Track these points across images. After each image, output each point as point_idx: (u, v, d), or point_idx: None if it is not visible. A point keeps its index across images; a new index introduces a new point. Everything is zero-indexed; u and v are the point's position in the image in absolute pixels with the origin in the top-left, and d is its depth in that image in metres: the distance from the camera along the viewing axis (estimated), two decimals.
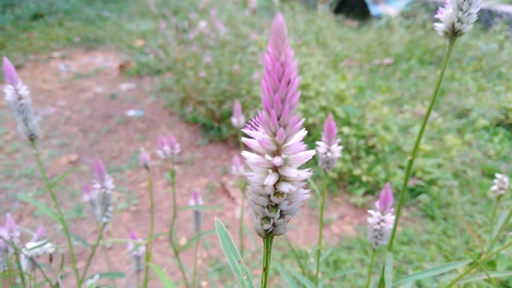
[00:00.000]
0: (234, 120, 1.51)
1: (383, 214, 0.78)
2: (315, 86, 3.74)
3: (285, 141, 0.31)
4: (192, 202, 1.31)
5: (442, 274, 2.36)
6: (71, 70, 5.76)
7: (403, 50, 5.70)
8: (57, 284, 1.23)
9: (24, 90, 0.94)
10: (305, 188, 0.35)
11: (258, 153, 0.32)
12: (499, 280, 2.41)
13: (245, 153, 0.32)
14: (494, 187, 1.09)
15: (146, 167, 1.04)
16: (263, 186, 0.32)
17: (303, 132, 0.33)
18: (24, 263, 1.21)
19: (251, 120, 0.31)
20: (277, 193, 0.32)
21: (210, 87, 3.85)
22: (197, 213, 1.35)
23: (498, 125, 3.80)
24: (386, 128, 3.47)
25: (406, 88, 4.63)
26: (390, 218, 0.78)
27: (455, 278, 1.04)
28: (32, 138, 1.01)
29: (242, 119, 1.54)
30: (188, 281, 2.17)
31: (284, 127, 0.30)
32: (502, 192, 1.09)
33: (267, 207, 0.33)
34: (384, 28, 6.48)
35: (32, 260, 1.16)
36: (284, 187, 0.31)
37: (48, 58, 6.12)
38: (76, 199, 3.27)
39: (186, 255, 2.79)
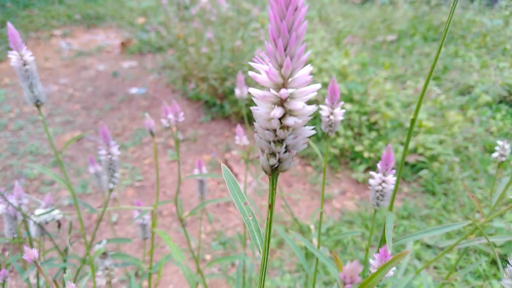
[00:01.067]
0: (237, 91, 1.52)
1: (384, 175, 0.80)
2: (318, 62, 3.72)
3: (291, 74, 0.32)
4: (196, 172, 1.33)
5: (442, 239, 2.41)
6: (72, 48, 5.73)
7: (406, 27, 5.63)
8: (66, 249, 1.26)
9: (28, 56, 0.95)
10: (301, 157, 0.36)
11: (264, 87, 0.33)
12: (498, 253, 2.45)
13: (251, 89, 0.33)
14: (495, 154, 1.11)
15: (152, 133, 1.05)
16: (269, 119, 0.33)
17: (309, 67, 0.34)
18: (33, 230, 1.24)
19: (258, 53, 0.32)
20: (283, 127, 0.33)
21: (212, 64, 3.84)
22: (201, 182, 1.37)
23: (501, 101, 3.78)
24: (389, 104, 3.46)
25: (409, 65, 4.59)
26: (391, 179, 0.80)
27: (453, 243, 1.06)
28: (38, 104, 1.02)
29: (245, 91, 1.54)
30: (193, 253, 2.21)
31: (291, 58, 0.31)
32: (503, 159, 1.10)
33: (273, 142, 0.34)
34: (388, 4, 6.38)
35: (40, 227, 1.19)
36: (290, 120, 0.32)
37: (49, 36, 6.07)
38: (81, 175, 3.31)
39: (190, 229, 2.83)
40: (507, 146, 1.08)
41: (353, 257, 2.65)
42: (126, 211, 3.00)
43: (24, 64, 0.96)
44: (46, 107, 4.36)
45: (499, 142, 1.09)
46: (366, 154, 3.24)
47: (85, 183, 3.19)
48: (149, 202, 3.05)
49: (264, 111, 0.33)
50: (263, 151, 0.35)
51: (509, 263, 0.68)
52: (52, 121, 4.11)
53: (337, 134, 3.39)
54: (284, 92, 0.31)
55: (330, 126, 0.85)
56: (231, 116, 3.98)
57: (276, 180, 0.38)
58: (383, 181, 0.80)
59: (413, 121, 0.69)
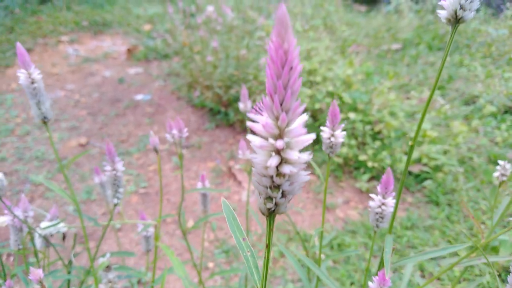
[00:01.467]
0: (241, 105, 1.54)
1: (384, 197, 0.81)
2: (322, 71, 3.73)
3: (287, 125, 0.34)
4: (199, 185, 1.34)
5: (444, 257, 2.40)
6: (79, 54, 5.79)
7: (411, 35, 5.63)
8: (70, 262, 1.28)
9: (37, 74, 0.97)
10: (306, 170, 0.37)
11: (262, 137, 0.35)
12: (501, 265, 2.44)
13: (250, 137, 0.35)
14: (496, 173, 1.11)
15: (156, 150, 1.07)
16: (266, 167, 0.34)
17: (304, 117, 0.35)
18: (38, 242, 1.26)
19: (256, 105, 0.34)
20: (279, 174, 0.34)
21: (217, 72, 3.86)
22: (204, 196, 1.38)
23: (506, 112, 3.77)
24: (393, 114, 3.46)
25: (414, 74, 4.60)
26: (391, 201, 0.81)
27: (455, 262, 1.06)
28: (45, 121, 1.04)
29: (249, 104, 1.56)
30: (196, 261, 2.23)
31: (287, 112, 0.32)
32: (504, 178, 1.11)
33: (270, 187, 0.35)
34: (393, 13, 6.40)
35: (45, 239, 1.21)
36: (286, 169, 0.34)
37: (56, 42, 6.14)
38: (85, 181, 3.34)
39: (193, 237, 2.85)
40: (508, 166, 1.09)
41: (356, 267, 2.65)
42: (130, 217, 3.02)
43: (32, 82, 0.99)
44: (53, 112, 4.40)
45: (500, 162, 1.10)
46: (370, 164, 3.24)
47: (90, 189, 3.22)
48: (154, 210, 3.07)
49: (262, 159, 0.35)
50: (260, 195, 0.37)
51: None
52: (58, 126, 4.15)
53: (342, 143, 3.40)
54: (280, 143, 0.32)
55: (331, 147, 0.87)
56: (235, 123, 4.00)
57: (273, 221, 0.40)
58: (383, 204, 0.81)
59: (411, 147, 0.70)
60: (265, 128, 0.33)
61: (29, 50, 5.74)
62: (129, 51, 5.78)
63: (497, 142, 3.48)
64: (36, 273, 0.67)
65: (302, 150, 0.36)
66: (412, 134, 3.33)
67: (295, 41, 0.31)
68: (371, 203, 0.82)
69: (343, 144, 3.38)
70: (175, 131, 1.20)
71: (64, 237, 1.23)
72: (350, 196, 3.22)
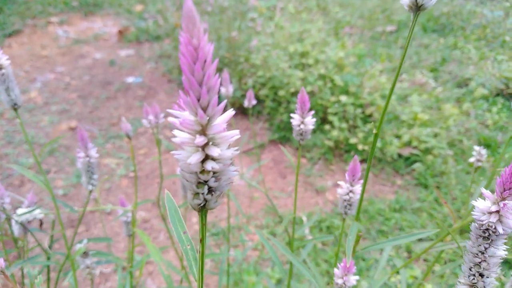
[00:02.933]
0: (222, 90, 1.52)
1: (351, 185, 0.80)
2: (315, 53, 3.69)
3: (209, 122, 0.33)
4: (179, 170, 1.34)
5: (421, 240, 2.43)
6: (69, 36, 5.70)
7: (406, 17, 5.56)
8: (50, 247, 1.28)
9: (4, 60, 0.95)
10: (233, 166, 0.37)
11: (186, 133, 0.34)
12: None
13: (174, 132, 0.34)
14: (472, 159, 1.11)
15: (128, 136, 1.06)
16: (189, 165, 0.34)
17: (230, 112, 0.34)
18: (16, 229, 1.26)
19: (179, 100, 0.33)
20: (203, 171, 0.34)
21: None
22: None
23: (497, 94, 3.76)
24: (384, 97, 3.45)
25: (407, 56, 4.56)
26: (358, 189, 0.80)
27: (428, 246, 1.07)
28: (15, 107, 1.03)
29: (230, 89, 1.54)
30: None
31: (205, 109, 0.31)
32: (479, 164, 1.11)
33: (196, 184, 0.35)
34: None
35: (23, 226, 1.21)
36: (208, 165, 0.33)
37: (46, 23, 6.04)
38: (75, 165, 3.33)
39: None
40: (483, 151, 1.09)
41: (345, 248, 2.67)
42: (117, 201, 3.02)
43: (0, 68, 0.97)
44: (43, 95, 4.37)
45: (476, 148, 1.09)
46: (360, 147, 3.24)
47: (80, 173, 3.22)
48: (143, 193, 3.07)
49: (186, 155, 0.34)
50: (189, 190, 0.36)
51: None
52: (49, 109, 4.12)
53: (332, 126, 3.39)
54: (200, 139, 0.31)
55: (301, 134, 0.86)
56: (226, 107, 3.97)
57: (205, 217, 0.39)
58: (351, 191, 0.81)
59: (376, 135, 0.70)
60: (183, 124, 0.32)
61: (18, 32, 5.65)
62: (120, 32, 5.69)
63: (488, 125, 3.48)
64: None
65: (230, 146, 0.36)
66: (403, 117, 3.33)
67: (206, 37, 0.29)
68: (339, 190, 0.82)
69: (333, 127, 3.37)
70: (151, 117, 1.19)
71: (41, 223, 1.23)
72: (340, 179, 3.23)
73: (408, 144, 3.25)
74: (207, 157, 0.34)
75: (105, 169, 3.32)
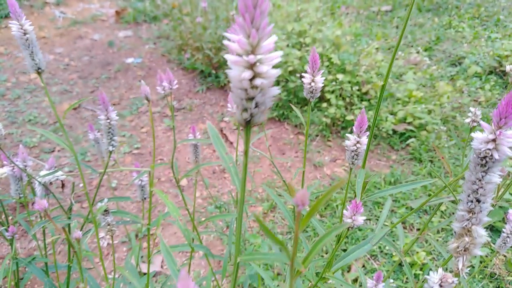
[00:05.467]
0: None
1: (359, 137, 0.89)
2: (312, 32, 3.74)
3: (258, 43, 0.40)
4: (191, 136, 1.41)
5: (420, 197, 2.54)
6: (66, 17, 5.68)
7: None
8: (70, 208, 1.36)
9: (28, 25, 1.01)
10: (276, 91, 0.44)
11: (237, 54, 0.41)
12: None
13: (226, 55, 0.41)
14: (468, 120, 1.20)
15: (147, 98, 1.13)
16: (241, 80, 0.41)
17: (274, 37, 0.42)
18: (38, 190, 1.33)
19: (231, 27, 0.40)
20: (252, 86, 0.41)
21: (207, 33, 3.86)
22: (195, 146, 1.46)
23: (491, 72, 3.85)
24: (380, 75, 3.52)
25: (402, 36, 4.61)
26: (365, 140, 0.88)
27: (425, 200, 1.16)
28: (39, 71, 1.09)
29: None
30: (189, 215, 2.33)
31: (257, 30, 0.39)
32: (475, 124, 1.19)
33: (245, 99, 0.43)
34: None
35: (45, 187, 1.29)
36: (258, 81, 0.41)
37: (43, 4, 6.00)
38: (79, 143, 3.39)
39: (187, 194, 2.95)
40: (478, 112, 1.17)
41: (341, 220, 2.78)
42: (125, 178, 3.10)
43: (25, 33, 1.03)
44: (43, 76, 4.39)
45: (471, 109, 1.18)
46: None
47: (84, 151, 3.28)
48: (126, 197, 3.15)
49: (237, 73, 0.42)
50: (238, 107, 0.44)
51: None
52: (49, 90, 4.14)
53: (329, 103, 3.46)
54: (251, 57, 0.39)
55: (312, 92, 0.93)
56: (226, 85, 4.03)
57: (250, 132, 0.47)
58: (358, 142, 0.89)
59: (383, 87, 0.77)
60: (239, 44, 0.39)
61: None
62: (118, 13, 5.68)
63: (481, 101, 3.58)
64: (41, 202, 0.74)
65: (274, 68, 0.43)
66: (398, 95, 3.41)
67: None
68: (347, 142, 0.90)
69: (330, 104, 3.45)
70: (165, 83, 1.25)
71: (63, 185, 1.30)
72: (337, 154, 3.32)
73: (403, 120, 3.34)
74: (255, 75, 0.41)
75: (105, 151, 3.38)
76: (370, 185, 2.98)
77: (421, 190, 2.90)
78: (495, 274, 2.41)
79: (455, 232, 0.69)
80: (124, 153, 3.33)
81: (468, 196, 0.65)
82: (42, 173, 1.28)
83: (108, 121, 1.13)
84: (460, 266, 0.69)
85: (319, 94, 0.94)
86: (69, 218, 1.34)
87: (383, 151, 3.30)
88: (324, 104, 3.48)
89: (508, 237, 1.30)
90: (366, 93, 3.47)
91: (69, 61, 4.66)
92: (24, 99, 3.94)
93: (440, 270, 0.68)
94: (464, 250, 0.67)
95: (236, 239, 0.51)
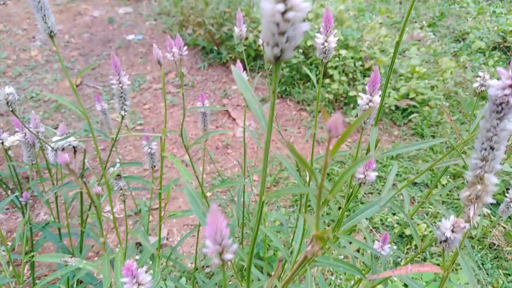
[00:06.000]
0: (236, 30, 1.58)
1: (371, 95, 0.90)
2: (315, 8, 3.71)
3: None
4: (199, 104, 1.43)
5: (427, 161, 2.57)
6: None
7: None
8: (82, 174, 1.39)
9: None
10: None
11: None
12: None
13: None
14: (476, 84, 1.21)
15: (159, 62, 1.14)
16: (273, 14, 0.42)
17: None
18: (51, 156, 1.35)
19: None
20: (285, 20, 0.43)
21: (209, 8, 3.82)
22: (204, 114, 1.47)
23: (494, 48, 3.84)
24: (383, 50, 3.51)
25: (406, 12, 4.58)
26: (377, 99, 0.90)
27: (433, 163, 1.19)
28: (51, 35, 1.09)
29: (244, 29, 1.60)
30: (196, 188, 2.36)
31: None
32: (483, 88, 1.21)
33: (277, 34, 0.44)
34: None
35: (57, 152, 1.31)
36: (290, 14, 0.42)
37: None
38: (83, 120, 3.40)
39: (191, 169, 2.98)
40: (487, 76, 1.18)
41: (344, 193, 2.82)
42: (129, 153, 3.13)
43: None
44: (43, 54, 4.36)
45: (480, 73, 1.19)
46: (359, 100, 3.33)
47: (88, 127, 3.29)
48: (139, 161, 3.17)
49: (270, 7, 0.43)
50: (268, 44, 0.45)
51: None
52: (51, 67, 4.13)
53: (332, 79, 3.46)
54: None
55: (325, 53, 0.94)
56: (228, 62, 4.01)
57: (279, 68, 0.48)
58: (370, 101, 0.90)
59: (397, 44, 0.78)
60: None
61: None
62: None
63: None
64: (63, 156, 0.76)
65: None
66: (401, 70, 3.40)
67: None
68: (360, 101, 0.91)
69: (333, 80, 3.45)
70: (175, 49, 1.26)
71: (75, 150, 1.32)
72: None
73: (406, 96, 3.35)
74: (288, 8, 0.42)
75: (112, 123, 3.39)
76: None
77: (422, 164, 2.93)
78: (494, 244, 2.46)
79: (467, 181, 0.71)
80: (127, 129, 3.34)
81: (482, 144, 0.67)
82: (55, 139, 1.30)
83: (120, 85, 1.14)
84: (471, 214, 0.71)
85: (331, 55, 0.95)
86: (83, 179, 1.36)
87: (385, 127, 3.32)
88: (327, 80, 3.48)
89: (511, 202, 1.33)
90: (369, 68, 3.46)
91: (69, 38, 4.62)
92: (25, 76, 3.93)
93: (452, 216, 0.70)
94: (476, 198, 0.70)
95: (261, 179, 0.53)
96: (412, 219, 2.40)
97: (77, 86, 3.89)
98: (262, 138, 3.32)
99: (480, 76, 1.20)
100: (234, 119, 3.53)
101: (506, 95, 0.59)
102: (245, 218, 1.81)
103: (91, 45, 4.49)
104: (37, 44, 4.54)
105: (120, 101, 1.17)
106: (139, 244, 2.42)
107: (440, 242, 0.72)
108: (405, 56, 3.61)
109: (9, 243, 2.38)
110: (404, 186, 1.26)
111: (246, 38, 3.80)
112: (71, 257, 0.87)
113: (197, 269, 2.20)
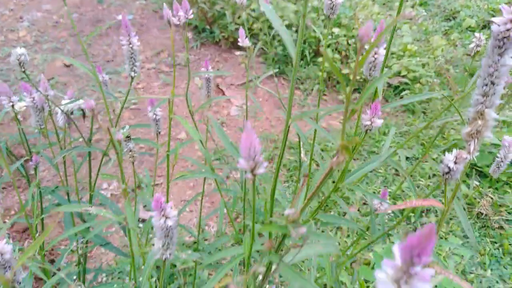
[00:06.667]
0: None
1: (377, 47, 0.94)
2: None
3: None
4: (203, 70, 1.46)
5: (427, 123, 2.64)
6: None
7: None
8: (90, 139, 1.41)
9: None
10: None
11: None
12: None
13: None
14: (472, 45, 1.26)
15: (169, 22, 1.16)
16: None
17: None
18: (60, 119, 1.37)
19: None
20: None
21: None
22: (208, 80, 1.50)
23: (484, 26, 3.91)
24: (375, 29, 3.55)
25: None
26: (382, 51, 0.94)
27: (431, 119, 1.24)
28: None
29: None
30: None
31: None
32: (479, 49, 1.26)
33: None
34: None
35: (67, 115, 1.33)
36: None
37: None
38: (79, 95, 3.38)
39: (188, 148, 3.01)
40: (482, 37, 1.23)
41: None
42: (134, 132, 3.12)
43: None
44: (32, 34, 4.30)
45: (476, 34, 1.24)
46: (352, 77, 3.38)
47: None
48: (148, 120, 3.18)
49: None
50: None
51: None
52: (40, 48, 4.08)
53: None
54: None
55: (332, 8, 0.98)
56: (220, 41, 4.02)
57: None
58: (375, 53, 0.95)
59: (394, 28, 0.82)
60: None
61: None
62: None
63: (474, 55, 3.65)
64: (90, 102, 0.79)
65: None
66: (393, 49, 3.46)
67: None
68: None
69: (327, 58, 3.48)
70: (181, 12, 1.28)
71: (84, 113, 1.34)
72: (333, 108, 3.39)
73: (397, 74, 3.41)
74: None
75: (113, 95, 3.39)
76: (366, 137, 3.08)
77: (414, 139, 3.01)
78: (482, 214, 2.56)
79: (468, 118, 0.77)
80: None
81: (484, 79, 0.72)
82: (64, 101, 1.32)
83: (131, 46, 1.16)
84: (471, 149, 0.77)
85: (338, 11, 0.99)
86: (90, 145, 1.39)
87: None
88: (320, 59, 3.51)
89: (502, 161, 1.39)
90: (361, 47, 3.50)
91: (58, 19, 4.56)
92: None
93: (454, 150, 0.76)
94: (476, 133, 0.75)
95: (287, 107, 0.57)
96: (403, 191, 2.47)
97: (68, 66, 3.86)
98: (255, 117, 3.36)
99: (476, 37, 1.25)
100: (228, 98, 3.55)
101: (508, 29, 0.64)
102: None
103: (80, 25, 4.44)
104: (25, 24, 4.47)
105: (130, 62, 1.19)
106: (142, 220, 2.46)
107: (443, 175, 0.78)
108: (397, 34, 3.66)
109: (7, 221, 2.39)
110: (400, 145, 1.32)
111: (239, 17, 3.81)
112: (91, 206, 0.90)
113: (195, 243, 2.26)
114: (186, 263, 1.49)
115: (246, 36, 1.57)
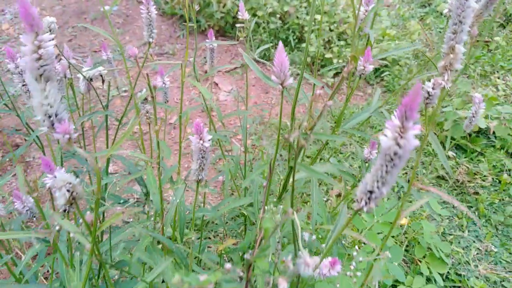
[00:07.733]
0: None
1: (367, 5, 1.09)
2: None
3: None
4: (207, 40, 1.58)
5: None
6: None
7: None
8: (107, 105, 1.52)
9: None
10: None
11: None
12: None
13: None
14: (445, 10, 1.43)
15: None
16: None
17: None
18: (82, 85, 1.47)
19: None
20: None
21: None
22: (211, 50, 1.63)
23: None
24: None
25: None
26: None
27: (411, 76, 1.41)
28: None
29: None
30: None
31: None
32: (451, 13, 1.43)
33: None
34: None
35: (88, 81, 1.44)
36: None
37: None
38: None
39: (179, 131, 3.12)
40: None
41: (325, 146, 3.04)
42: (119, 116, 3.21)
43: None
44: (15, 27, 4.31)
45: (449, 0, 1.41)
46: (335, 61, 3.56)
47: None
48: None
49: None
50: None
51: None
52: None
53: (310, 43, 3.66)
54: None
55: None
56: (206, 30, 4.13)
57: None
58: (366, 11, 1.10)
59: (375, 15, 0.97)
60: None
61: None
62: None
63: None
64: (133, 49, 0.90)
65: None
66: (374, 34, 3.64)
67: None
68: (360, 10, 1.11)
69: (311, 44, 3.65)
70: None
71: (103, 80, 1.45)
72: (317, 91, 3.56)
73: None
74: None
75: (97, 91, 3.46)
76: (348, 115, 3.26)
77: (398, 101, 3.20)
78: (458, 181, 2.77)
79: (442, 54, 0.93)
80: (112, 96, 3.42)
81: (454, 20, 0.88)
82: (85, 69, 1.43)
83: (149, 14, 1.28)
84: (446, 78, 0.93)
85: None
86: (106, 108, 1.50)
87: (359, 86, 3.57)
88: (304, 45, 3.68)
89: (473, 116, 1.57)
90: (343, 32, 3.69)
91: (40, 11, 4.56)
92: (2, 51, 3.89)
93: (432, 79, 0.92)
94: (449, 65, 0.92)
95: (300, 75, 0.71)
96: None
97: (56, 57, 3.90)
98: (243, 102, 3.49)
99: (448, 2, 1.42)
100: (216, 84, 3.67)
101: None
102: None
103: (64, 17, 4.46)
104: (7, 17, 4.47)
105: (148, 29, 1.31)
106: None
107: (424, 100, 0.94)
108: (376, 20, 3.85)
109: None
110: (385, 101, 1.47)
111: (224, 5, 3.93)
112: (125, 150, 1.02)
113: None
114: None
115: (231, 25, 1.70)
